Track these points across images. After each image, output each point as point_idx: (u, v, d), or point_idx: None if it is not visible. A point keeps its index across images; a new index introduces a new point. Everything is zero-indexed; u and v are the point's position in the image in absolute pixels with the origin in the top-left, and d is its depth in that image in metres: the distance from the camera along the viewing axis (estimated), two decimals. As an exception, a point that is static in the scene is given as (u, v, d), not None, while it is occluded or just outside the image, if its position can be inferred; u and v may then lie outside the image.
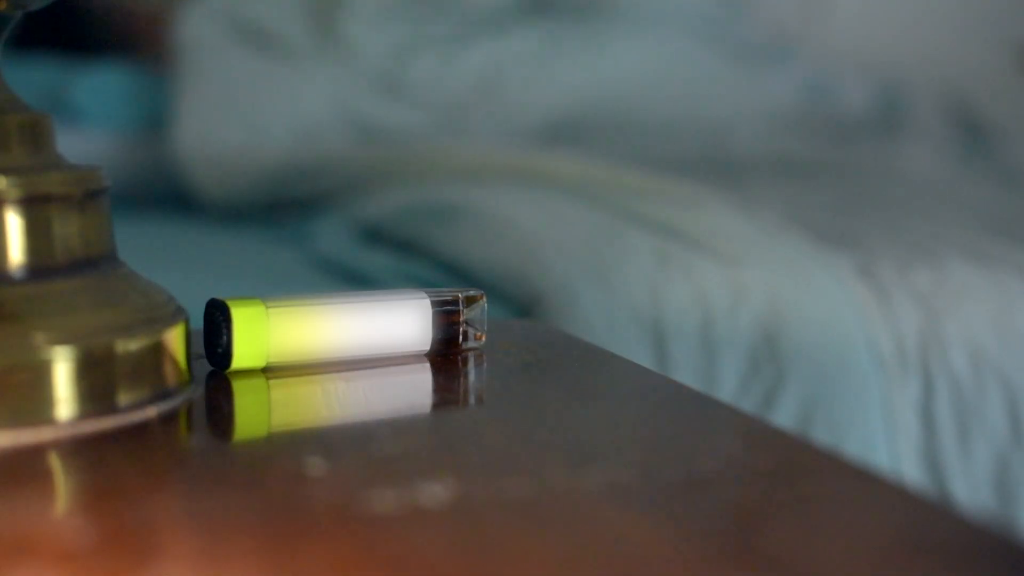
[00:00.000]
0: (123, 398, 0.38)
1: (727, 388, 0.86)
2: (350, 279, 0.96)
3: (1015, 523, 0.89)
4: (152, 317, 0.39)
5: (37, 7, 0.40)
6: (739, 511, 0.32)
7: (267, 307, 0.43)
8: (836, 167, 1.46)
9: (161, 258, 0.86)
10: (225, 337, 0.43)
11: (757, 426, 0.41)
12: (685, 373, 0.85)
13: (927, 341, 0.90)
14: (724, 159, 1.44)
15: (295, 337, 0.44)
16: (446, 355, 0.47)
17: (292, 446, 0.38)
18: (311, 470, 0.34)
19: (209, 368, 0.44)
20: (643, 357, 0.84)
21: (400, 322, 0.46)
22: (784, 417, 0.86)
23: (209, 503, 0.32)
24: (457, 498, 0.32)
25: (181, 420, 0.39)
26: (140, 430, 0.38)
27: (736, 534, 0.31)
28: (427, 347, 0.47)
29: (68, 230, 0.39)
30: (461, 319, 0.47)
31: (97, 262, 0.40)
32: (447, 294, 0.47)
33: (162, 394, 0.39)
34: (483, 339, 0.48)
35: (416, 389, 0.45)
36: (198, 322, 0.44)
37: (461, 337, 0.47)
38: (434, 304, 0.47)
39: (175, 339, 0.40)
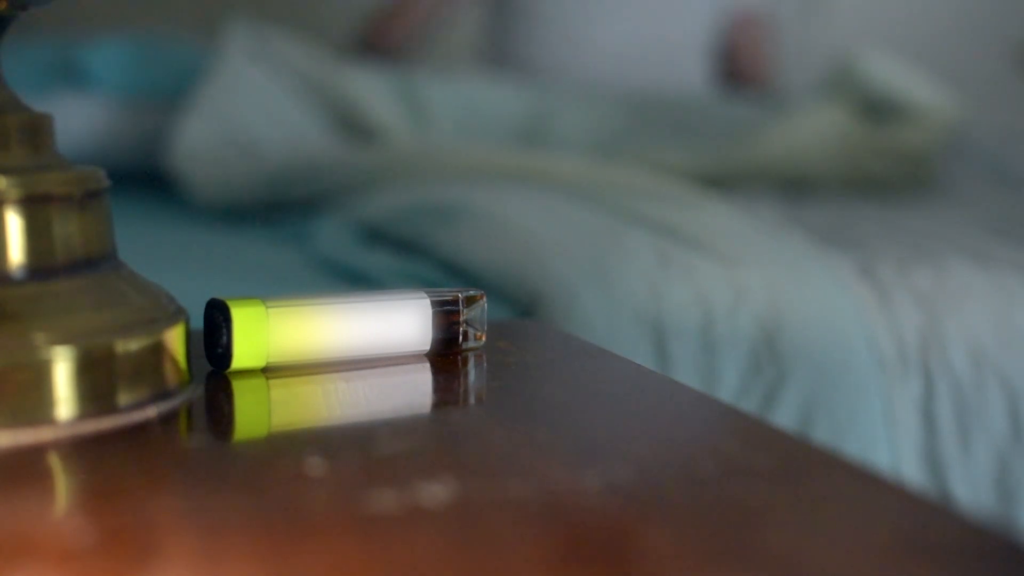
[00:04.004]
0: (123, 398, 0.38)
1: (727, 388, 0.86)
2: (350, 279, 0.96)
3: (1015, 523, 0.89)
4: (152, 317, 0.39)
5: (37, 7, 0.40)
6: (739, 511, 0.32)
7: (267, 307, 0.43)
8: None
9: (161, 258, 0.86)
10: (225, 337, 0.43)
11: (757, 426, 0.41)
12: (685, 373, 0.85)
13: (927, 341, 0.90)
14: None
15: (295, 337, 0.44)
16: (446, 355, 0.47)
17: (292, 446, 0.38)
18: (311, 470, 0.34)
19: (209, 368, 0.44)
20: (643, 357, 0.84)
21: (400, 322, 0.46)
22: (784, 417, 0.86)
23: (209, 503, 0.32)
24: (457, 498, 0.32)
25: (181, 420, 0.39)
26: (140, 430, 0.38)
27: (736, 534, 0.31)
28: (427, 347, 0.47)
29: (68, 230, 0.39)
30: (461, 319, 0.47)
31: (97, 262, 0.40)
32: (447, 294, 0.47)
33: (162, 394, 0.39)
34: (483, 339, 0.48)
35: (416, 389, 0.45)
36: (198, 322, 0.44)
37: (461, 337, 0.47)
38: (434, 304, 0.47)
39: (175, 339, 0.40)
